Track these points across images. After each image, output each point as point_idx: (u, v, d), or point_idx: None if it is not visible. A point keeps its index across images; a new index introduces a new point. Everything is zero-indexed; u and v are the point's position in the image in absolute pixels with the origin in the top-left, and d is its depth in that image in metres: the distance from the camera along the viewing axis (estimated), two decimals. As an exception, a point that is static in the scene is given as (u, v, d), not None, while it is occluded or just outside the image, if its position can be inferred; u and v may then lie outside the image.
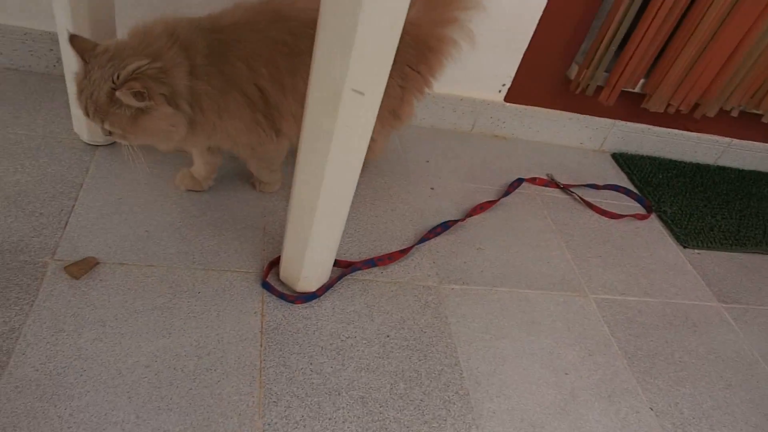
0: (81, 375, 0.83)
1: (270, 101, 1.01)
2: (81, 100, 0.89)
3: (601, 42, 1.47)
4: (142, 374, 0.85)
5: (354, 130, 0.80)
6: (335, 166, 0.84)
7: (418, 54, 1.12)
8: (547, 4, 1.44)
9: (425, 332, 1.06)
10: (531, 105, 1.65)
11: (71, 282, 0.95)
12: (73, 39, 0.88)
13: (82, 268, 0.96)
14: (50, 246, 0.99)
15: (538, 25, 1.48)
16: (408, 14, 1.09)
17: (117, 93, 0.84)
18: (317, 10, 0.93)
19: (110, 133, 0.92)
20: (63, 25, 1.04)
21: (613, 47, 1.48)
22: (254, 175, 1.21)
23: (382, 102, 1.10)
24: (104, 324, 0.90)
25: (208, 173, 1.18)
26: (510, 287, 1.21)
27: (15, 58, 1.35)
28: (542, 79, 1.60)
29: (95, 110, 0.88)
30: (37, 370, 0.82)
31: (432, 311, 1.10)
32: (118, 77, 0.85)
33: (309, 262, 0.98)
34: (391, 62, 0.76)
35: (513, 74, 1.58)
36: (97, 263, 0.99)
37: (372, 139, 1.17)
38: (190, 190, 1.19)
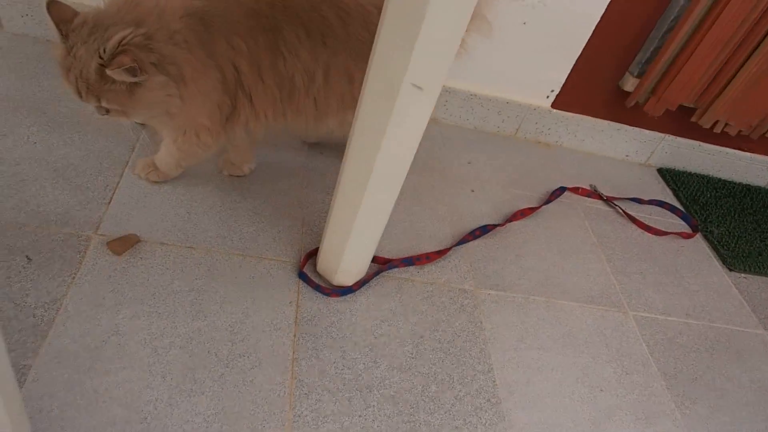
0: (117, 350, 0.83)
1: (243, 83, 0.95)
2: (69, 80, 0.83)
3: (664, 55, 1.42)
4: (177, 355, 0.85)
5: (408, 125, 0.79)
6: (385, 162, 0.82)
7: None
8: (605, 11, 1.40)
9: (459, 336, 1.03)
10: (578, 113, 1.61)
11: (112, 258, 0.95)
12: (51, 5, 0.81)
13: (124, 245, 0.96)
14: (94, 220, 1.00)
15: (594, 32, 1.44)
16: None
17: (108, 71, 0.79)
18: None
19: (107, 112, 0.88)
20: None
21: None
22: (155, 158, 1.09)
23: None
24: (142, 302, 0.91)
25: (244, 157, 1.17)
26: (547, 297, 1.18)
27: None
28: (593, 88, 1.56)
29: (87, 90, 0.83)
30: (76, 342, 0.83)
31: (467, 315, 1.08)
32: (104, 51, 0.80)
33: (348, 256, 0.97)
34: (452, 58, 0.74)
35: (563, 81, 1.54)
36: (139, 241, 0.99)
37: None
38: (232, 175, 1.18)
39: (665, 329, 1.21)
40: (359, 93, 0.99)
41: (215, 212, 1.10)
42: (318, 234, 1.13)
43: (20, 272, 0.88)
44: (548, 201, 1.42)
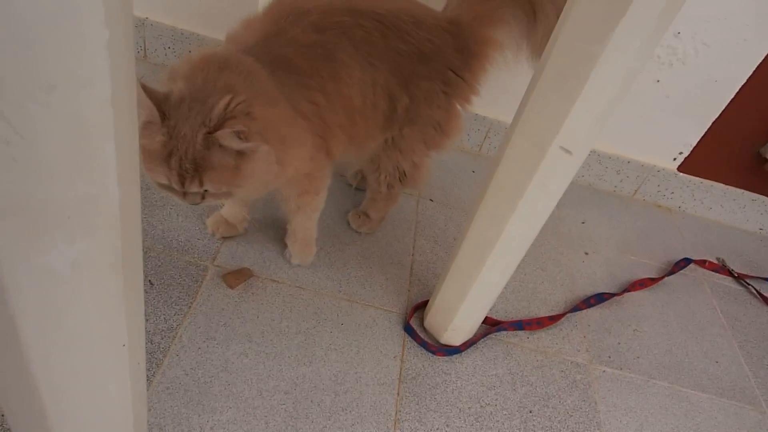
0: (225, 388, 0.83)
1: (324, 117, 0.88)
2: (171, 166, 0.71)
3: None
4: (281, 401, 0.83)
5: (549, 189, 0.74)
6: (519, 223, 0.78)
7: (461, 57, 0.96)
8: (751, 75, 1.29)
9: (572, 416, 0.95)
10: (708, 179, 1.49)
11: (226, 290, 0.96)
12: (146, 89, 0.70)
13: (238, 279, 0.97)
14: (212, 251, 1.02)
15: (736, 96, 1.33)
16: (446, 12, 0.99)
17: (218, 134, 0.69)
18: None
19: (203, 198, 0.77)
20: None
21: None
22: (290, 240, 1.03)
23: (427, 112, 0.98)
24: (251, 339, 0.90)
25: (241, 215, 1.05)
26: (670, 382, 1.06)
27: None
28: (728, 153, 1.43)
29: (194, 169, 0.72)
30: (187, 375, 0.83)
31: (580, 393, 0.99)
32: (210, 120, 0.70)
33: (462, 315, 0.92)
34: (605, 125, 0.69)
35: (694, 143, 1.43)
36: (252, 275, 1.00)
37: (414, 165, 1.06)
38: (225, 238, 1.05)
39: (810, 437, 1.05)
40: (399, 113, 0.95)
41: (325, 253, 1.09)
42: (425, 285, 1.09)
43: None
44: (671, 272, 1.30)
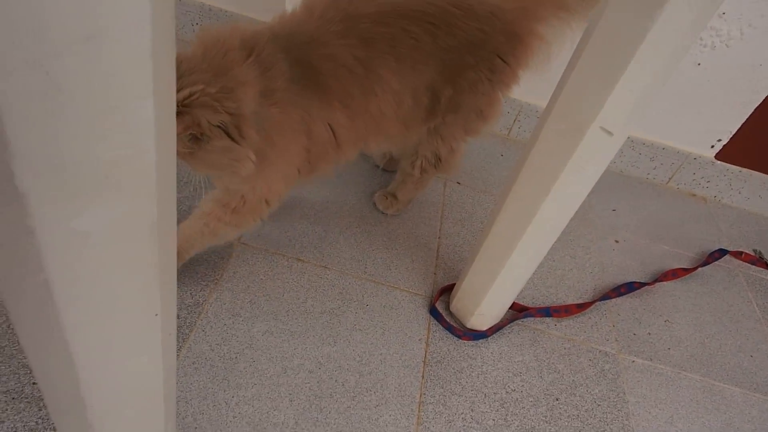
0: (250, 365, 0.83)
1: (326, 147, 0.87)
2: None
3: None
4: (305, 379, 0.83)
5: (587, 171, 0.71)
6: (553, 205, 0.75)
7: (508, 43, 0.94)
8: (799, 56, 1.24)
9: (599, 405, 0.93)
10: (747, 167, 1.44)
11: (252, 267, 0.96)
12: None
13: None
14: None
15: (782, 79, 1.27)
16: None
17: None
18: None
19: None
20: None
21: None
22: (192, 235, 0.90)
23: (471, 100, 0.96)
24: (276, 317, 0.90)
25: None
26: (702, 375, 1.03)
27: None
28: (770, 141, 1.38)
29: None
30: (213, 350, 0.83)
31: (608, 382, 0.97)
32: None
33: (490, 299, 0.91)
34: (649, 107, 0.66)
35: (733, 131, 1.38)
36: (278, 254, 0.99)
37: (451, 151, 1.04)
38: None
39: None
40: (443, 103, 0.94)
41: (350, 233, 1.08)
42: (452, 268, 1.08)
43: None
44: (705, 263, 1.26)
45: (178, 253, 0.88)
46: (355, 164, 1.23)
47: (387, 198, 1.14)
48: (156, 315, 0.36)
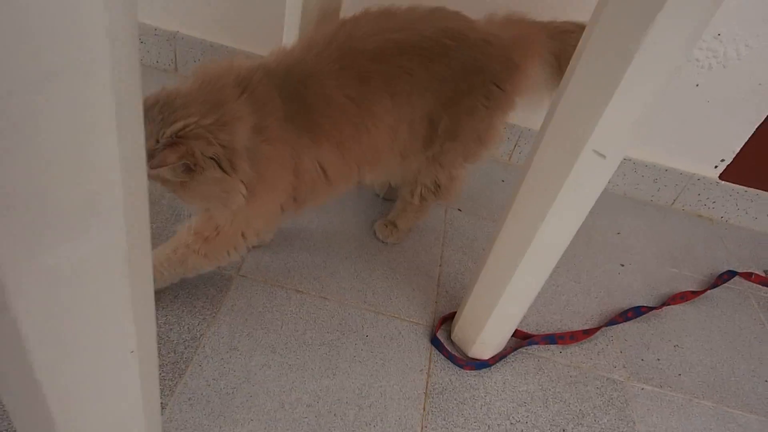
0: (247, 400, 0.81)
1: (316, 185, 0.87)
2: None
3: None
4: (303, 414, 0.81)
5: (581, 193, 0.70)
6: (550, 229, 0.74)
7: (503, 70, 0.94)
8: (798, 75, 1.23)
9: (608, 436, 0.90)
10: (753, 187, 1.42)
11: (250, 300, 0.95)
12: None
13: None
14: (237, 261, 1.01)
15: (783, 97, 1.27)
16: (488, 26, 0.96)
17: (152, 170, 0.70)
18: (387, 31, 0.83)
19: None
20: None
21: None
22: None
23: (469, 127, 0.96)
24: (274, 350, 0.89)
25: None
26: (715, 402, 1.00)
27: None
28: (774, 160, 1.36)
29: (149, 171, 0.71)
30: (209, 386, 0.82)
31: (617, 411, 0.94)
32: (162, 135, 0.70)
33: (491, 327, 0.89)
34: (643, 128, 0.65)
35: (737, 149, 1.36)
36: (276, 285, 0.98)
37: (451, 178, 1.04)
38: (251, 247, 0.98)
39: None
40: (440, 132, 0.94)
41: (351, 262, 1.08)
42: (453, 297, 1.06)
43: (167, 306, 0.91)
44: (714, 285, 1.24)
45: None
46: (355, 193, 1.23)
47: (387, 227, 1.14)
48: (132, 352, 0.35)
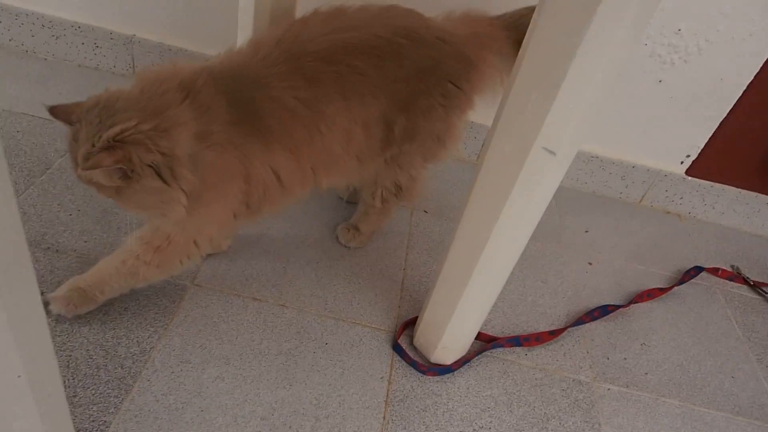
0: (198, 415, 0.78)
1: (270, 190, 0.84)
2: (71, 163, 0.72)
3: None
4: (257, 427, 0.78)
5: (535, 193, 0.69)
6: (505, 228, 0.72)
7: (460, 68, 0.92)
8: (760, 70, 1.23)
9: (574, 439, 0.88)
10: (719, 182, 1.42)
11: (205, 310, 0.92)
12: (54, 109, 0.72)
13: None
14: (192, 269, 0.98)
15: (744, 93, 1.27)
16: (444, 23, 0.95)
17: (82, 173, 0.68)
18: (337, 31, 0.82)
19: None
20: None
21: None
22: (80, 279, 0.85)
23: (426, 127, 0.94)
24: (228, 362, 0.85)
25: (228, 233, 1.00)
26: (682, 400, 0.99)
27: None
28: (739, 155, 1.37)
29: (79, 177, 0.71)
30: (158, 401, 0.78)
31: (583, 413, 0.92)
32: (98, 139, 0.68)
33: (452, 331, 0.87)
34: (591, 123, 0.64)
35: (701, 145, 1.36)
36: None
37: (411, 179, 1.02)
38: (207, 255, 0.99)
39: (839, 458, 0.96)
40: (397, 133, 0.92)
41: (312, 268, 1.05)
42: (418, 301, 1.04)
43: (116, 318, 0.87)
44: (681, 282, 1.23)
45: (90, 295, 0.84)
46: (317, 197, 1.20)
47: (349, 231, 1.11)
48: (19, 377, 0.32)
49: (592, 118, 0.63)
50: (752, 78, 1.24)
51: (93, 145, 0.68)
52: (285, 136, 0.82)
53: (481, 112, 1.38)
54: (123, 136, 0.68)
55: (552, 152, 0.64)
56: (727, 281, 1.29)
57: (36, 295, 0.33)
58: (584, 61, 0.57)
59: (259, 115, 0.79)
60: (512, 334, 1.01)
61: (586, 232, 1.34)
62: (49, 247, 0.94)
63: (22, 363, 0.32)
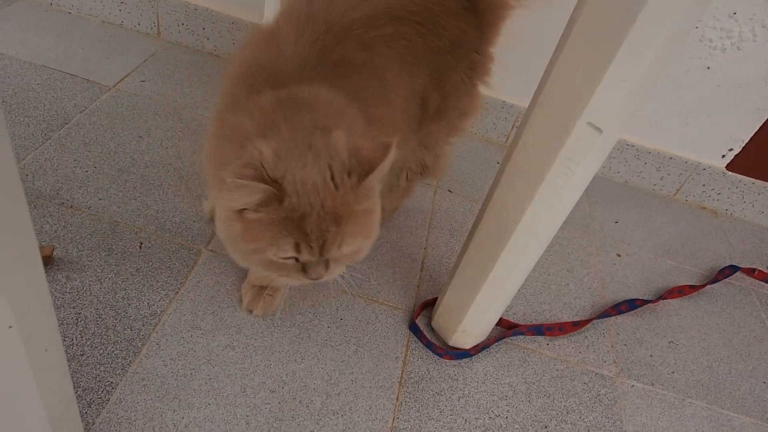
0: (206, 383, 0.75)
1: None
2: (307, 226, 0.57)
3: None
4: (266, 399, 0.76)
5: (574, 172, 0.64)
6: (537, 213, 0.68)
7: (480, 35, 0.86)
8: (817, 59, 1.15)
9: (593, 435, 0.84)
10: (761, 179, 1.35)
11: (218, 276, 0.89)
12: (247, 176, 0.56)
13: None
14: (207, 234, 0.95)
15: (798, 84, 1.19)
16: None
17: (364, 184, 0.58)
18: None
19: (327, 267, 0.63)
20: None
21: None
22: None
23: (454, 105, 0.88)
24: (240, 331, 0.83)
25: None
26: (709, 403, 0.94)
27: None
28: (785, 151, 1.29)
29: (335, 222, 0.58)
30: (166, 366, 0.76)
31: (604, 408, 0.88)
32: (340, 163, 0.58)
33: (473, 315, 0.83)
34: (645, 100, 0.58)
35: (746, 139, 1.29)
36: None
37: (436, 157, 0.96)
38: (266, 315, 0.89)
39: None
40: (431, 111, 0.85)
41: (330, 241, 1.01)
42: (437, 281, 1.00)
43: (127, 279, 0.85)
44: (714, 280, 1.17)
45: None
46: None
47: None
48: (10, 327, 0.29)
49: (644, 93, 0.58)
50: (808, 69, 1.17)
51: (330, 169, 0.59)
52: (369, 103, 0.73)
53: (512, 91, 1.33)
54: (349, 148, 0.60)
55: (599, 129, 0.59)
56: (763, 283, 1.23)
57: (32, 241, 0.30)
58: (645, 28, 0.52)
59: (344, 83, 0.70)
60: (534, 323, 0.97)
61: (616, 222, 1.29)
62: (63, 203, 0.92)
63: (13, 312, 0.29)
